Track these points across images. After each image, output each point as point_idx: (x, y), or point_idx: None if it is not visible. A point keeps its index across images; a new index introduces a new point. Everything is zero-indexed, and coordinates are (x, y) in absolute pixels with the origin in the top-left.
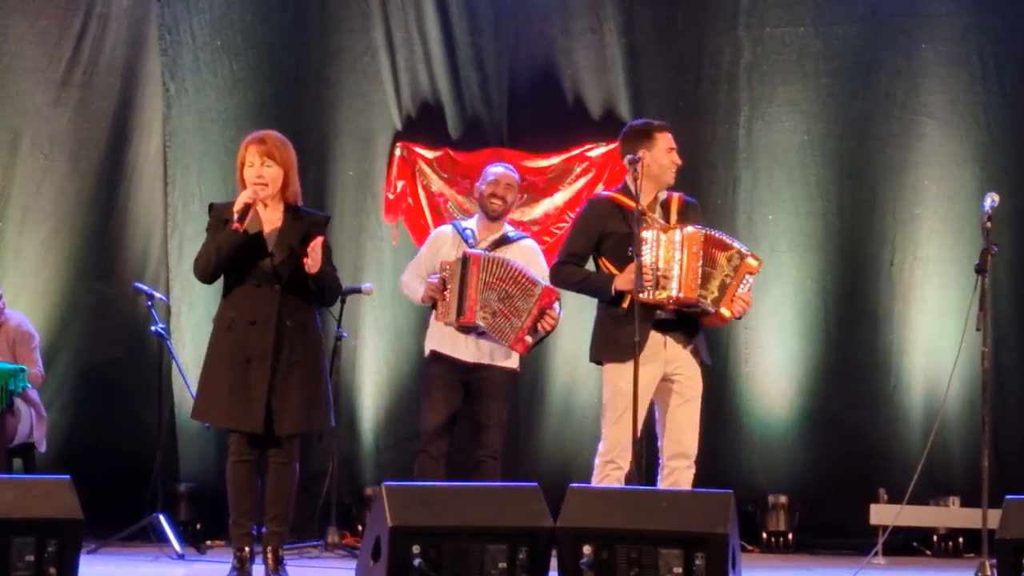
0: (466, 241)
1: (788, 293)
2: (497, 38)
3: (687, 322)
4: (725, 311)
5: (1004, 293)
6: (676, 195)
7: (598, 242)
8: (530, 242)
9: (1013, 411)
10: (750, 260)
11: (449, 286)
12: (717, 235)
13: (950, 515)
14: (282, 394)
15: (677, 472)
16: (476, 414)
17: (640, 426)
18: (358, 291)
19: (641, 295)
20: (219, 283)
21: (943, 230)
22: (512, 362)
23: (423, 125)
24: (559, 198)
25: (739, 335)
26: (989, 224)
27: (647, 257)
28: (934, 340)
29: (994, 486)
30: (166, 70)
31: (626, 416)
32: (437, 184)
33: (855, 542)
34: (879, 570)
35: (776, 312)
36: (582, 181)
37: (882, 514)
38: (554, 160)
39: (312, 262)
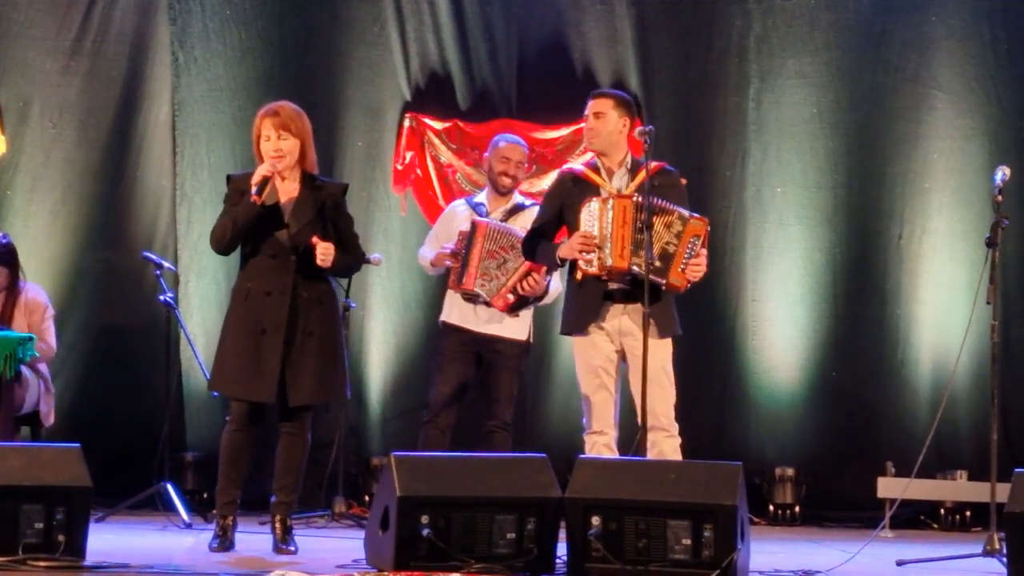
0: (479, 214)
1: (796, 266)
2: (506, 8)
3: (647, 292)
4: (675, 280)
5: (1013, 267)
6: (653, 164)
7: (560, 214)
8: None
9: (1022, 385)
10: (693, 222)
11: (461, 254)
12: (656, 201)
13: (958, 488)
14: (296, 365)
15: (658, 444)
16: (487, 385)
17: (615, 398)
18: (367, 261)
19: (581, 265)
20: (230, 254)
21: (952, 203)
22: (523, 334)
23: (432, 96)
24: None
25: (746, 307)
26: (1000, 197)
27: (587, 227)
28: (943, 314)
29: (1002, 459)
30: (175, 39)
31: (598, 388)
32: (446, 155)
33: (862, 515)
34: (886, 543)
35: (784, 285)
36: (591, 153)
37: (889, 487)
38: (563, 132)
39: (321, 259)
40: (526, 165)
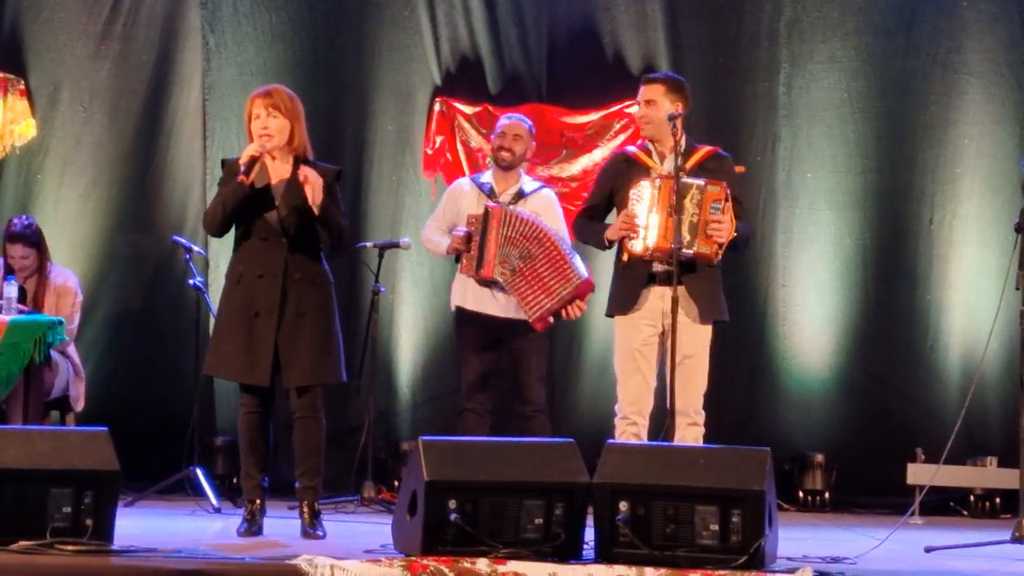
0: (486, 194)
1: (826, 251)
2: None
3: (693, 276)
4: (703, 248)
5: None
6: (706, 148)
7: (611, 195)
8: (548, 191)
9: None
10: (709, 188)
11: (474, 239)
12: (687, 180)
13: (987, 475)
14: (290, 347)
15: (680, 429)
16: (516, 370)
17: (648, 384)
18: (396, 246)
19: (627, 246)
20: (223, 235)
21: (983, 189)
22: None
23: (462, 80)
24: (598, 154)
25: (776, 292)
26: None
27: (634, 207)
28: (973, 299)
29: None
30: (206, 23)
31: (632, 372)
32: (476, 139)
33: (891, 501)
34: (915, 529)
35: (814, 270)
36: (621, 138)
37: (919, 474)
38: (593, 116)
39: (312, 192)
40: (527, 142)
